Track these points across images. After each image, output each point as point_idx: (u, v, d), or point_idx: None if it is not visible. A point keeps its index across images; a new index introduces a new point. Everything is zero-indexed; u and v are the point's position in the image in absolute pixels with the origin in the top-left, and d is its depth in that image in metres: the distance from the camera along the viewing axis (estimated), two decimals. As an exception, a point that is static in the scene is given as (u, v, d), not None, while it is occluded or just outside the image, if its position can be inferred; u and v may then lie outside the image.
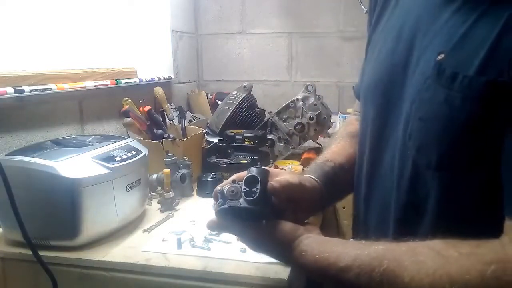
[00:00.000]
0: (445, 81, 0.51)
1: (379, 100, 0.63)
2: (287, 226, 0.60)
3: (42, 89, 1.17)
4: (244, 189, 0.62)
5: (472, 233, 0.47)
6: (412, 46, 0.58)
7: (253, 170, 0.64)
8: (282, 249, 0.60)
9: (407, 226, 0.57)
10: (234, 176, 0.68)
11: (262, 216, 0.62)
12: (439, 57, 0.52)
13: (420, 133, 0.54)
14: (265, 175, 0.64)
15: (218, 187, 0.66)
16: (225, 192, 0.63)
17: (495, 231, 0.47)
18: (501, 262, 0.45)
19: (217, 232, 0.92)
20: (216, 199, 0.66)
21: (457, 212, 0.52)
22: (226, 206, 0.63)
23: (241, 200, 0.62)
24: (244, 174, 0.65)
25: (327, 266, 0.54)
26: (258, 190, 0.61)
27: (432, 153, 0.52)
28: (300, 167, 1.47)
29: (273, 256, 0.65)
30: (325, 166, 0.76)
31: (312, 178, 0.73)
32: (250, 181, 0.62)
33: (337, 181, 0.75)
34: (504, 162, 0.47)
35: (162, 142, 1.32)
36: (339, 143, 0.83)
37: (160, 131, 1.36)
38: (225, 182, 0.68)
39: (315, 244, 0.57)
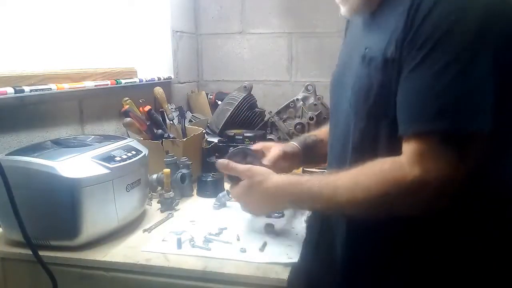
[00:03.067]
0: (366, 63, 0.76)
1: (335, 87, 0.92)
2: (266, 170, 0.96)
3: (42, 89, 1.17)
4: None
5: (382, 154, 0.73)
6: (351, 55, 0.84)
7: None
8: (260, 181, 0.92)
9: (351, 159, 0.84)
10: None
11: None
12: (366, 50, 0.77)
13: (354, 101, 0.79)
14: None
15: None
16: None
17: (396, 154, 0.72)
18: (396, 181, 0.68)
19: (217, 232, 0.98)
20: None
21: (371, 145, 0.77)
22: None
23: None
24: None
25: (295, 185, 0.86)
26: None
27: (361, 110, 0.78)
28: (300, 167, 1.46)
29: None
30: (308, 139, 1.12)
31: (295, 145, 1.09)
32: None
33: (315, 150, 1.09)
34: (400, 92, 0.70)
35: (162, 142, 1.32)
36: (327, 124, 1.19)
37: (160, 131, 1.36)
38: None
39: (278, 178, 0.90)
